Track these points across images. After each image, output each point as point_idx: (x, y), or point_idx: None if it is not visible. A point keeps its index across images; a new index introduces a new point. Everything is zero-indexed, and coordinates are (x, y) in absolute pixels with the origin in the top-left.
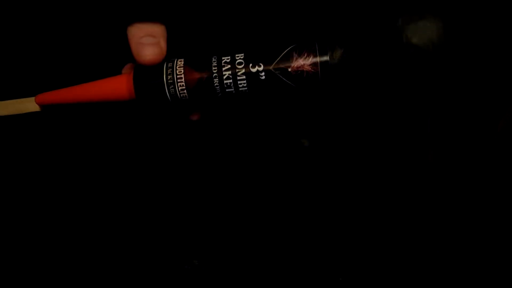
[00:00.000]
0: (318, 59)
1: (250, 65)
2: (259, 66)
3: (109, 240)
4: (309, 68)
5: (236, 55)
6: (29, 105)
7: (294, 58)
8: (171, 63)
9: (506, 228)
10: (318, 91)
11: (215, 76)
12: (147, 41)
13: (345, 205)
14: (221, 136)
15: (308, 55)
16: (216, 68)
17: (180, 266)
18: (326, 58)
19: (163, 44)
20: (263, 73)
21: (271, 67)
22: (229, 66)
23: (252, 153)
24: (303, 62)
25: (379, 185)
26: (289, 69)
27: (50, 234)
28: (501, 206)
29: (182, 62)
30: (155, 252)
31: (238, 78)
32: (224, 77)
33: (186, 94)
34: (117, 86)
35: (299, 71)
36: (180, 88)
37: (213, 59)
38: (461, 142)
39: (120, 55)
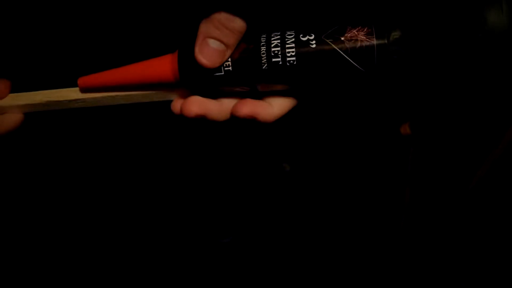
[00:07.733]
0: (374, 33)
1: (301, 35)
2: (310, 35)
3: (108, 239)
4: (363, 37)
5: (287, 31)
6: (72, 93)
7: (348, 29)
8: None
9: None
10: (372, 65)
11: (263, 45)
12: (214, 45)
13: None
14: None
15: (363, 29)
16: (264, 39)
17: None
18: (383, 39)
19: (228, 54)
20: (313, 41)
21: (322, 36)
22: (278, 37)
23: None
24: (357, 32)
25: (354, 222)
26: (342, 37)
27: (49, 234)
28: (477, 245)
29: None
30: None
31: (287, 46)
32: (272, 45)
33: (230, 65)
34: (161, 68)
35: (353, 39)
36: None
37: (263, 35)
38: (439, 182)
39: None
